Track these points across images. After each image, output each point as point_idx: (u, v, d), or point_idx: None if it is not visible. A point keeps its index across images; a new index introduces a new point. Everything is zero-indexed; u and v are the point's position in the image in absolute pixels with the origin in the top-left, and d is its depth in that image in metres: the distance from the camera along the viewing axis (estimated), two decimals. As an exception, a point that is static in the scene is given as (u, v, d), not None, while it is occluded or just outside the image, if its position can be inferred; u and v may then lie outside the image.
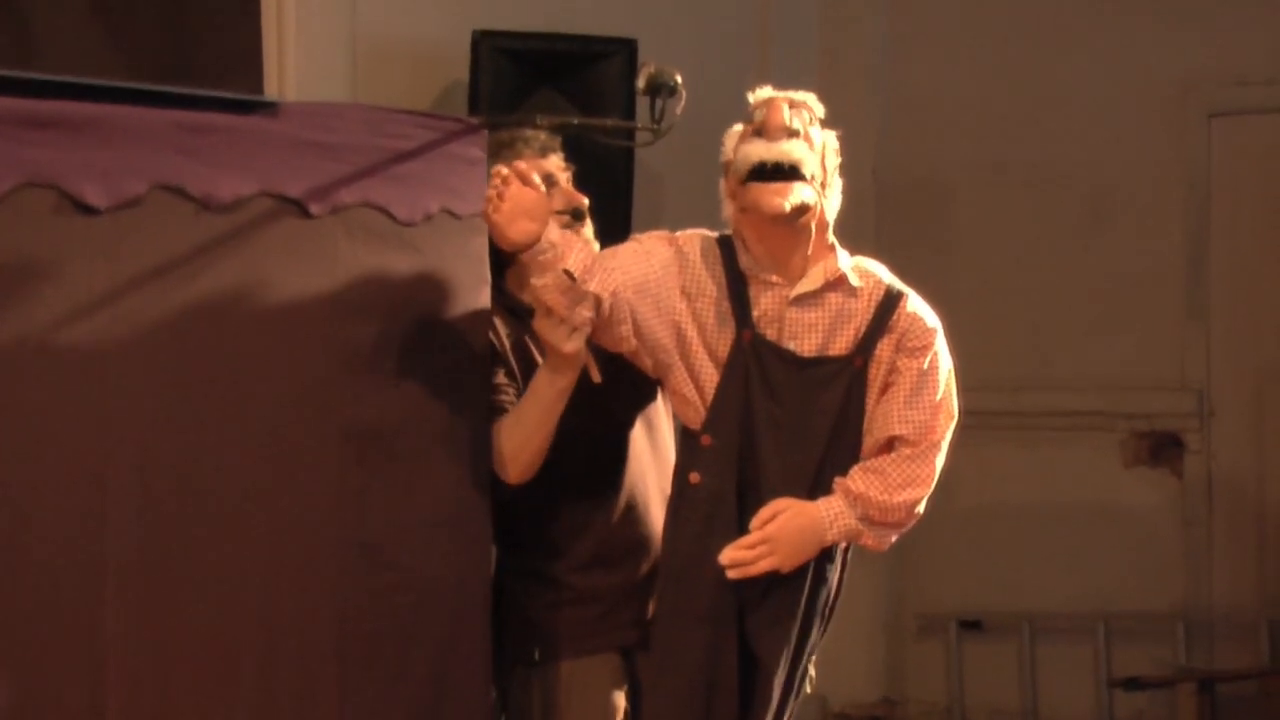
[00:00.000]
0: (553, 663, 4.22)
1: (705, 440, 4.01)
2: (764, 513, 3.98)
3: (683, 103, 4.15)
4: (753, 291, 4.01)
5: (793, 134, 3.95)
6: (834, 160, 4.02)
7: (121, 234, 3.55)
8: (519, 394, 4.13)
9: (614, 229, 5.44)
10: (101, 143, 3.54)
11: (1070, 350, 7.67)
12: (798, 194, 3.91)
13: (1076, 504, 7.63)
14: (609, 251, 4.06)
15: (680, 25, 6.86)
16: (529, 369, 4.19)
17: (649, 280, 3.98)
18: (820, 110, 4.04)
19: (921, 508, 4.08)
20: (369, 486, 3.89)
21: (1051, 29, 7.66)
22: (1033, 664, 7.72)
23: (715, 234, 4.09)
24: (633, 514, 4.26)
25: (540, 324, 3.96)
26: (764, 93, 4.02)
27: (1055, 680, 7.73)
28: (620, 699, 4.27)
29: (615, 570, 4.26)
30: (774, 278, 4.01)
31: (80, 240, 3.50)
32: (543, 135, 4.28)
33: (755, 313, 4.00)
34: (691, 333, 4.01)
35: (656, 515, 4.28)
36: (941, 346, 4.10)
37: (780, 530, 3.96)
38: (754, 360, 3.99)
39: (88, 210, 3.50)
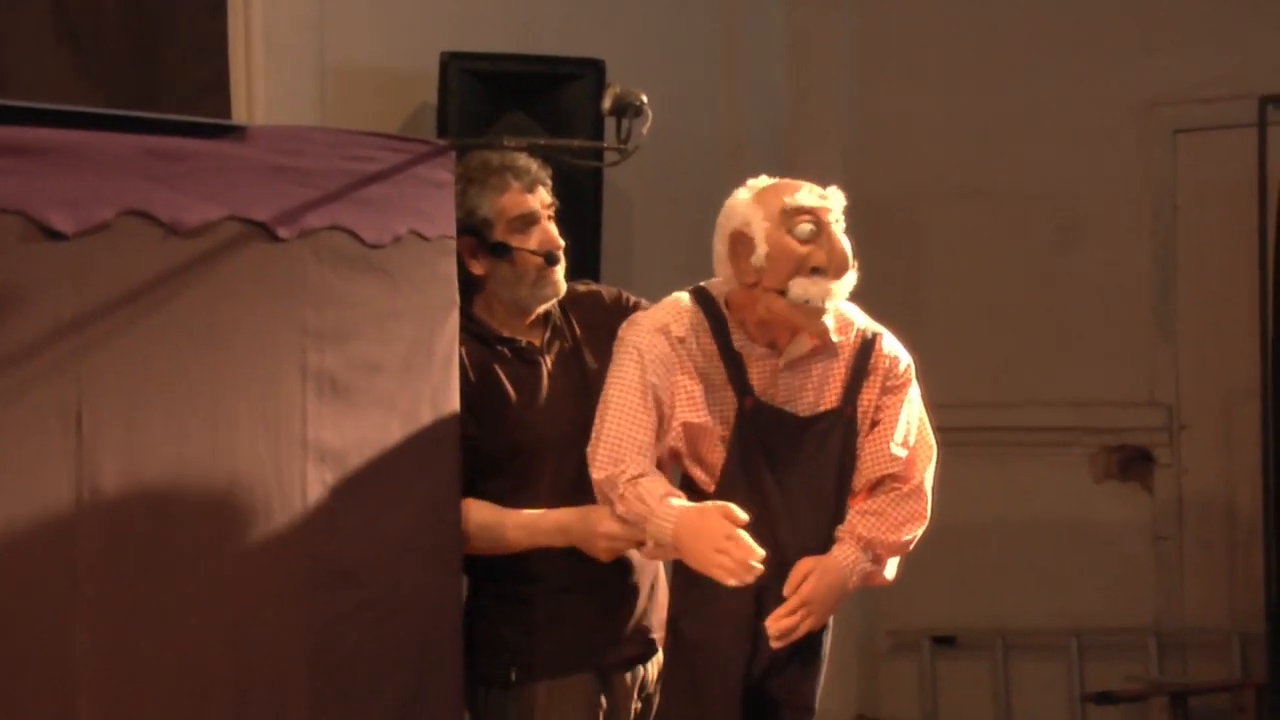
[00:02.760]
0: (529, 685, 4.23)
1: None
2: (794, 577, 4.03)
3: (649, 123, 4.16)
4: (746, 362, 4.05)
5: (851, 268, 3.99)
6: None
7: (90, 260, 3.53)
8: (476, 425, 4.16)
9: (584, 249, 5.47)
10: (69, 169, 3.52)
11: (1040, 367, 7.67)
12: (833, 313, 4.02)
13: (1048, 520, 7.63)
14: (615, 409, 3.99)
15: (648, 46, 6.86)
16: (494, 396, 4.22)
17: (660, 406, 3.99)
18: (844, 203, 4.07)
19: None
20: (338, 510, 3.89)
21: (1017, 49, 7.67)
22: (1006, 680, 7.72)
23: (689, 299, 4.09)
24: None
25: (605, 545, 4.07)
26: (806, 197, 3.98)
27: (1029, 696, 7.72)
28: (597, 718, 4.29)
29: (591, 595, 4.27)
30: (765, 349, 4.06)
31: (48, 266, 3.48)
32: (533, 168, 4.29)
33: (751, 381, 4.05)
34: (697, 416, 4.03)
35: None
36: (915, 381, 4.20)
37: (814, 591, 4.02)
38: (755, 426, 4.04)
39: (55, 236, 3.48)
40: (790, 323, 3.99)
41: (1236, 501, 7.27)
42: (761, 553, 3.76)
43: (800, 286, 3.93)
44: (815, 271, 3.94)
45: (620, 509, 3.94)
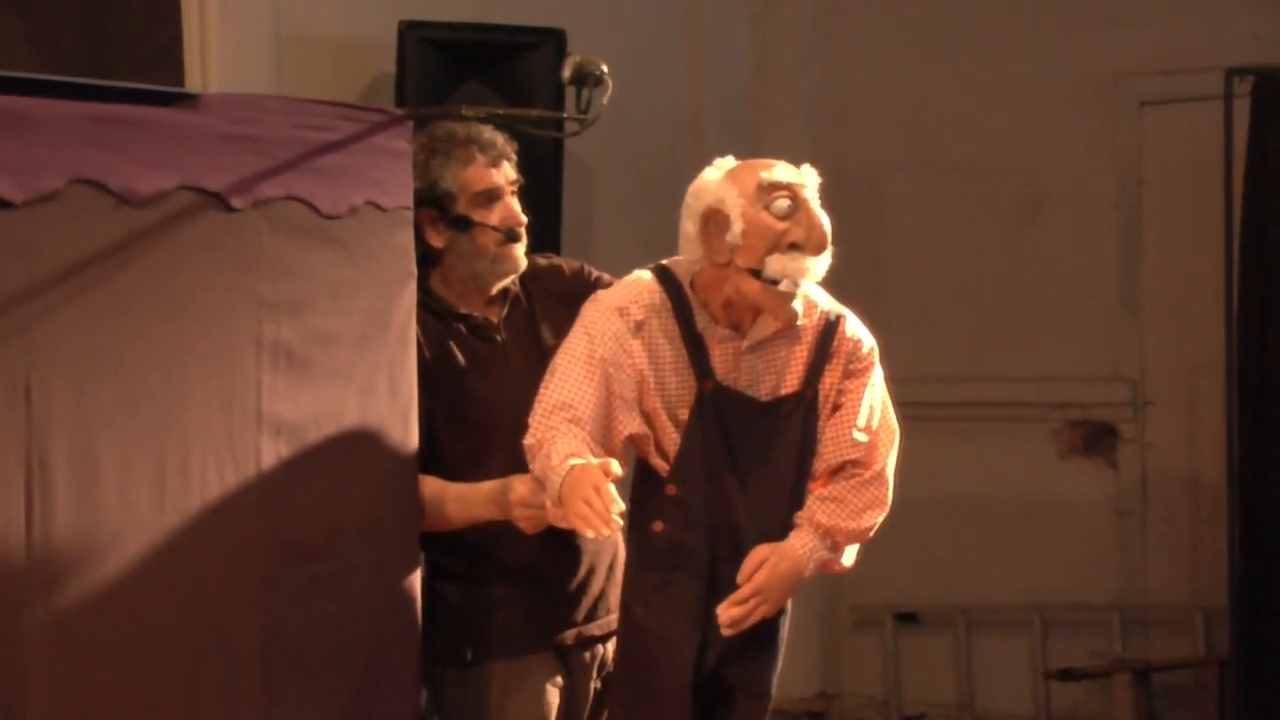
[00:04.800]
0: (485, 664, 4.21)
1: (671, 490, 4.01)
2: (747, 566, 3.99)
3: (609, 92, 4.13)
4: (708, 344, 4.00)
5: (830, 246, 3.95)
6: None
7: (39, 229, 3.50)
8: (431, 401, 4.12)
9: (544, 220, 5.42)
10: (17, 136, 3.49)
11: (1004, 341, 7.67)
12: (801, 296, 3.96)
13: (1012, 496, 7.64)
14: (557, 378, 3.93)
15: (609, 16, 6.83)
16: (448, 372, 4.20)
17: (609, 383, 3.93)
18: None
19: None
20: (294, 484, 3.86)
21: (981, 21, 7.66)
22: (969, 656, 7.73)
23: (652, 279, 4.04)
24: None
25: (519, 513, 4.00)
26: (782, 173, 3.92)
27: (992, 672, 7.73)
28: (555, 697, 4.26)
29: (548, 575, 4.24)
30: (728, 331, 4.01)
31: (-5, 235, 3.44)
32: (499, 142, 4.25)
33: (713, 364, 4.00)
34: (653, 398, 3.99)
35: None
36: (879, 364, 4.14)
37: (769, 579, 3.98)
38: (715, 409, 3.99)
39: (3, 205, 3.45)
40: (758, 306, 3.95)
41: (1201, 477, 7.27)
42: (621, 506, 3.70)
43: (777, 263, 3.88)
44: (793, 248, 3.89)
45: (534, 470, 3.89)
